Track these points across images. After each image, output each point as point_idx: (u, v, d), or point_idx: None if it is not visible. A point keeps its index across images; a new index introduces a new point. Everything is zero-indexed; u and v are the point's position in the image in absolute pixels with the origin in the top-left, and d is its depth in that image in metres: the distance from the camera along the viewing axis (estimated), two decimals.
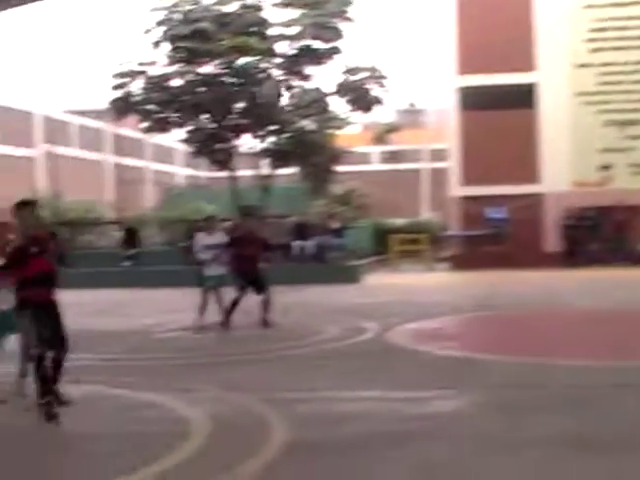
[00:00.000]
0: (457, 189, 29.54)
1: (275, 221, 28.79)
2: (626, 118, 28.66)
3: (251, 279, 13.45)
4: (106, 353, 11.40)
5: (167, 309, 17.85)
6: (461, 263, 27.56)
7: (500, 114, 28.45)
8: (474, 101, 28.86)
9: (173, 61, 31.36)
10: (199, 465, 5.89)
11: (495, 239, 27.93)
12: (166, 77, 31.85)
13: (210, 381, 9.01)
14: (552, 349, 10.95)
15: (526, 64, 28.67)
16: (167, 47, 30.90)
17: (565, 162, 28.40)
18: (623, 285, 19.95)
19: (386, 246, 31.73)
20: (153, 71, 31.96)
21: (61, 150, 43.62)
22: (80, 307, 16.46)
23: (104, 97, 32.91)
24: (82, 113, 48.76)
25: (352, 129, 45.43)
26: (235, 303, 13.35)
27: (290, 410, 7.44)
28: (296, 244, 24.90)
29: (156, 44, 30.68)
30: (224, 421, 7.14)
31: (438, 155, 47.13)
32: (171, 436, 6.63)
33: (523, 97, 28.77)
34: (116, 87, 31.67)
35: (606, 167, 28.58)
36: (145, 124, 32.47)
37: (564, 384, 8.35)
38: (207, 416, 7.26)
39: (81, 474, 5.78)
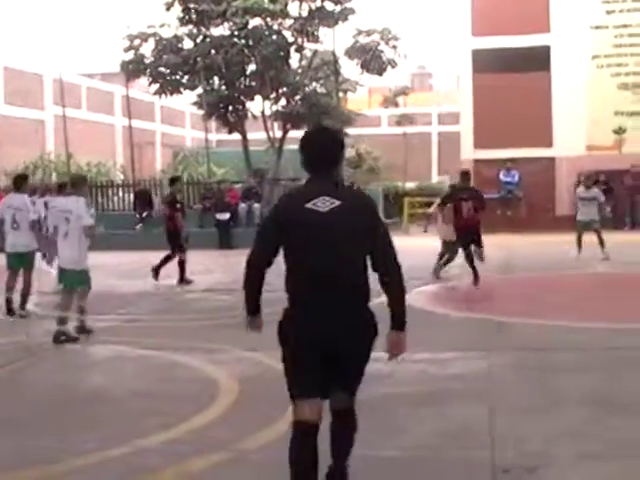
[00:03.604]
0: (469, 152, 29.42)
1: (287, 184, 28.77)
2: None
3: None
4: (130, 314, 11.50)
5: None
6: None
7: (514, 77, 28.22)
8: (487, 63, 28.62)
9: (184, 23, 31.20)
10: (232, 423, 5.97)
11: (508, 202, 27.87)
12: (177, 39, 31.72)
13: (233, 342, 9.06)
14: (570, 311, 10.97)
15: (541, 26, 28.37)
16: (178, 9, 30.74)
17: (579, 126, 28.21)
18: (635, 249, 19.93)
19: (398, 209, 31.72)
20: (164, 33, 31.84)
21: (72, 112, 43.54)
22: (102, 269, 16.51)
23: (115, 59, 32.85)
24: (93, 75, 48.67)
25: (363, 92, 45.30)
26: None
27: None
28: None
29: (168, 6, 30.50)
30: (251, 381, 7.23)
31: (449, 118, 46.93)
32: (200, 395, 6.73)
33: (537, 60, 28.51)
34: (127, 49, 31.58)
35: (620, 131, 28.43)
36: (156, 86, 32.38)
37: (586, 346, 8.40)
38: (234, 376, 7.35)
39: (118, 430, 5.86)
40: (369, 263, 4.15)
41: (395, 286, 4.14)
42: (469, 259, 13.63)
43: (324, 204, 4.01)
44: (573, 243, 17.98)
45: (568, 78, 28.31)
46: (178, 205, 15.52)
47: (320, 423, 4.06)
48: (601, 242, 17.69)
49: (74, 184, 9.95)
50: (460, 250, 14.09)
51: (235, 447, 5.40)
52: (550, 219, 27.56)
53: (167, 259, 14.98)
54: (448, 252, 14.76)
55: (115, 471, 5.09)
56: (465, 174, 14.73)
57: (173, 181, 16.51)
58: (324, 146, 4.25)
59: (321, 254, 4.00)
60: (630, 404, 6.20)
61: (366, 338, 4.11)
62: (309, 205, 4.02)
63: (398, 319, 4.15)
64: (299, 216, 4.04)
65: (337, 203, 4.02)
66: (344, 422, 4.25)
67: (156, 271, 14.88)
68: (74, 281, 9.39)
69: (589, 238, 18.01)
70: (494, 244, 18.89)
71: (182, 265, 14.78)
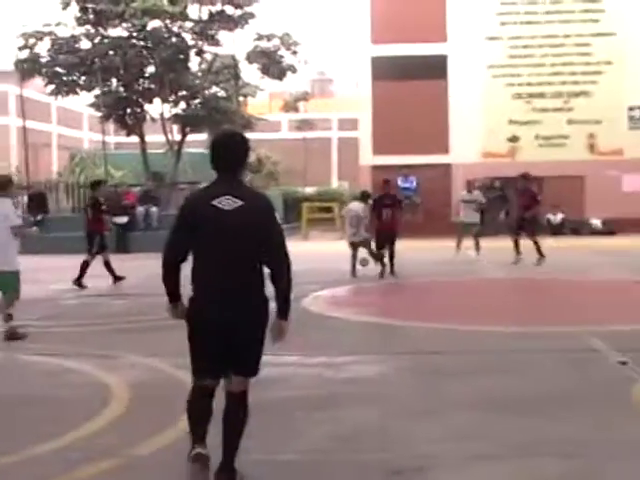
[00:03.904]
0: (368, 158, 29.76)
1: (185, 187, 28.54)
2: (533, 91, 29.30)
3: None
4: (19, 320, 11.15)
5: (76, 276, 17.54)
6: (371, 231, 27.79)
7: (412, 84, 28.71)
8: (386, 71, 29.04)
9: (82, 23, 30.65)
10: (123, 429, 5.87)
11: (406, 208, 28.24)
12: (74, 39, 31.14)
13: (127, 347, 8.94)
14: (464, 315, 11.20)
15: (438, 36, 28.97)
16: (75, 8, 30.18)
17: (474, 133, 28.90)
18: (528, 254, 20.47)
19: (297, 214, 31.80)
20: (61, 33, 31.20)
21: None
22: None
23: (9, 58, 32.02)
24: None
25: (263, 97, 45.31)
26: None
27: None
28: None
29: (64, 5, 29.90)
30: (144, 387, 7.13)
31: (349, 124, 47.35)
32: (92, 402, 6.59)
33: (435, 68, 29.10)
34: (22, 48, 30.83)
35: (514, 139, 29.21)
36: (52, 87, 31.70)
37: (478, 350, 8.58)
38: (126, 382, 7.23)
39: (5, 439, 5.69)
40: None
41: (282, 280, 4.58)
42: (379, 257, 15.67)
43: (228, 203, 4.46)
44: (472, 248, 18.50)
45: (464, 87, 28.98)
46: (104, 207, 15.84)
47: (215, 387, 4.64)
48: (477, 245, 18.74)
49: (2, 186, 9.60)
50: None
51: (125, 453, 5.31)
52: (447, 224, 28.07)
53: (108, 263, 15.24)
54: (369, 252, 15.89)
55: None
56: (386, 182, 16.94)
57: (95, 185, 16.49)
58: (231, 149, 4.66)
59: (222, 248, 4.46)
60: (519, 406, 6.35)
61: (258, 324, 4.54)
62: (214, 203, 4.47)
63: (282, 310, 4.64)
64: (205, 213, 4.48)
65: (239, 203, 4.47)
66: (236, 404, 4.59)
67: (80, 281, 14.88)
68: (8, 283, 9.29)
69: (484, 243, 18.48)
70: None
71: (85, 267, 14.95)
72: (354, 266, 15.91)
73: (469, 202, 19.78)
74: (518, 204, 18.57)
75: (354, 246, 16.06)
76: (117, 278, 15.28)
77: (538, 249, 17.47)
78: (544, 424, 5.81)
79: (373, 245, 15.87)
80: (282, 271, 4.56)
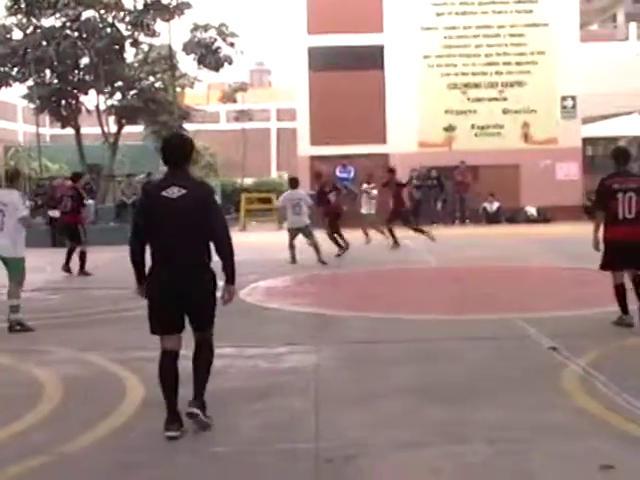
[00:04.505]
0: (306, 149, 29.78)
1: (122, 180, 28.27)
2: (468, 81, 29.60)
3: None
4: None
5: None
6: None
7: (349, 75, 28.78)
8: (323, 61, 29.07)
9: (13, 13, 30.10)
10: (54, 426, 5.83)
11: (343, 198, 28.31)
12: (6, 29, 30.56)
13: (60, 342, 8.86)
14: (399, 305, 11.32)
15: (375, 26, 29.04)
16: None
17: (411, 123, 29.10)
18: (464, 243, 20.76)
19: (235, 205, 31.69)
20: None
21: None
22: None
23: None
24: None
25: (201, 88, 45.02)
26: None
27: (144, 369, 7.42)
28: None
29: None
30: (77, 382, 7.08)
31: (288, 115, 47.32)
32: (22, 399, 6.53)
33: (372, 58, 29.19)
34: None
35: (449, 128, 29.49)
36: None
37: (411, 338, 8.68)
38: (59, 378, 7.17)
39: None
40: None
41: (226, 252, 5.56)
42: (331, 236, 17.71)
43: (174, 192, 5.43)
44: (411, 238, 18.90)
45: (401, 77, 29.15)
46: (85, 200, 16.80)
47: (179, 351, 5.59)
48: (367, 234, 20.44)
49: (11, 178, 10.17)
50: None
51: (55, 451, 5.27)
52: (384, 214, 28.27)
53: (83, 255, 15.58)
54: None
55: None
56: (318, 174, 20.39)
57: (76, 177, 16.93)
58: (177, 148, 5.65)
59: (170, 229, 5.41)
60: (448, 393, 6.47)
61: (206, 290, 5.55)
62: (163, 193, 5.45)
63: (229, 276, 5.60)
64: (156, 201, 5.47)
65: (184, 192, 5.44)
66: (200, 349, 5.66)
67: (84, 270, 15.50)
68: (16, 269, 9.76)
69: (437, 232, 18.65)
70: (326, 239, 19.26)
71: (84, 256, 15.55)
72: (294, 254, 16.31)
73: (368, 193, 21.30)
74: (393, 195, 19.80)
75: (294, 233, 16.36)
76: (84, 272, 15.60)
77: (420, 231, 19.22)
78: (472, 411, 5.92)
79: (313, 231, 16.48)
80: (224, 245, 5.53)
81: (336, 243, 17.71)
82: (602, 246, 8.90)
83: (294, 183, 17.08)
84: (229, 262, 5.56)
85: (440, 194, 28.89)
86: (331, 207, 18.06)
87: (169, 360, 5.55)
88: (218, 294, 5.61)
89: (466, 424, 5.60)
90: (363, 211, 21.17)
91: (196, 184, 5.64)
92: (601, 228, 8.92)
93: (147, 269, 5.62)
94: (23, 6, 29.65)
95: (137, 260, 5.59)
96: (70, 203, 16.01)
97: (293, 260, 16.25)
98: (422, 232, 19.18)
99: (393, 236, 19.23)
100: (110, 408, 6.15)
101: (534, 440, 5.24)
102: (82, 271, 15.51)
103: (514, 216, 28.55)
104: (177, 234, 5.41)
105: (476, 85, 29.58)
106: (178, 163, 5.57)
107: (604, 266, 8.96)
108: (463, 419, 5.72)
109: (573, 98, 29.44)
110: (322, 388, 6.72)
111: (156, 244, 5.50)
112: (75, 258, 15.56)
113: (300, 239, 16.41)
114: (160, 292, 5.47)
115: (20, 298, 9.95)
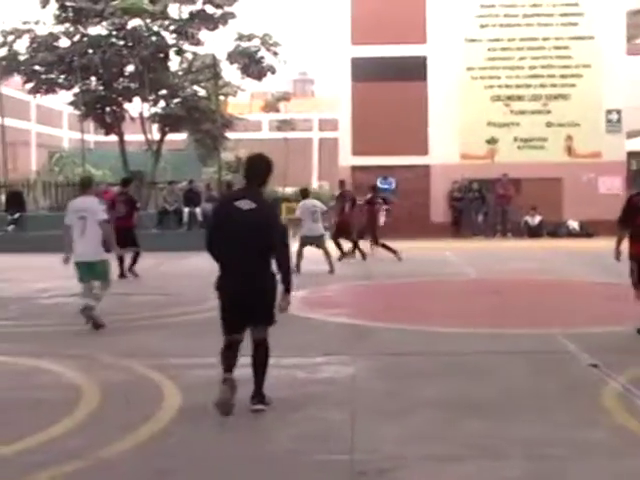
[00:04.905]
0: (347, 159, 29.77)
1: (164, 187, 28.46)
2: (511, 93, 29.42)
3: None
4: None
5: (53, 275, 17.48)
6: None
7: (391, 86, 28.73)
8: (366, 72, 29.06)
9: (61, 21, 30.53)
10: (91, 431, 5.87)
11: (384, 210, 28.25)
12: (53, 37, 31.01)
13: (99, 347, 8.93)
14: (436, 317, 11.25)
15: (418, 37, 28.98)
16: (54, 6, 30.06)
17: (453, 135, 28.97)
18: (505, 256, 20.61)
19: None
20: (40, 30, 31.09)
21: None
22: None
23: None
24: None
25: (244, 97, 45.25)
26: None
27: (181, 376, 7.48)
28: (186, 211, 24.71)
29: (44, 3, 29.77)
30: (115, 388, 7.13)
31: (330, 124, 47.37)
32: (61, 403, 6.59)
33: (415, 70, 29.12)
34: (0, 45, 30.68)
35: (492, 141, 29.32)
36: (30, 85, 31.56)
37: (447, 351, 8.62)
38: (97, 383, 7.22)
39: None
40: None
41: (284, 267, 6.22)
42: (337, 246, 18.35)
43: (245, 204, 6.09)
44: (452, 249, 18.73)
45: (443, 88, 29.04)
46: (138, 205, 17.41)
47: (241, 341, 6.31)
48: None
49: (83, 185, 10.88)
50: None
51: (91, 456, 5.30)
52: (425, 225, 28.19)
53: (137, 256, 16.18)
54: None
55: None
56: (341, 182, 20.85)
57: (127, 182, 17.46)
58: (258, 169, 6.35)
59: (237, 239, 6.06)
60: (484, 407, 6.41)
61: (268, 294, 6.18)
62: (236, 203, 6.14)
63: (285, 286, 6.27)
64: (229, 210, 6.20)
65: (254, 205, 6.10)
66: (259, 348, 6.33)
67: (132, 270, 16.04)
68: (101, 271, 10.30)
69: (460, 245, 18.52)
70: (366, 249, 19.24)
71: (136, 257, 16.15)
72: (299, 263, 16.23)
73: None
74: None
75: (309, 242, 16.67)
76: (132, 272, 16.10)
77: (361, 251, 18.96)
78: (508, 425, 5.87)
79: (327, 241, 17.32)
80: (283, 260, 6.21)
81: (339, 248, 18.47)
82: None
83: (305, 193, 17.41)
84: (287, 275, 6.22)
85: (481, 207, 28.72)
86: (343, 216, 18.90)
87: (230, 347, 6.27)
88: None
89: (503, 439, 5.54)
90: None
91: (264, 201, 6.35)
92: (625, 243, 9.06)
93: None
94: (71, 15, 30.05)
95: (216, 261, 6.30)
96: (124, 207, 16.26)
97: (298, 270, 15.74)
98: (389, 249, 19.02)
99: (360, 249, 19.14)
100: (148, 414, 6.19)
101: (572, 457, 5.18)
102: (131, 270, 16.00)
103: (556, 230, 28.26)
104: (243, 244, 6.06)
105: (519, 97, 29.37)
106: (254, 181, 6.26)
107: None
108: (500, 434, 5.66)
109: (618, 112, 29.11)
110: (358, 400, 6.70)
111: (224, 253, 6.16)
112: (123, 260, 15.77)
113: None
114: (227, 299, 6.22)
115: (100, 300, 10.34)
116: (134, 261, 16.11)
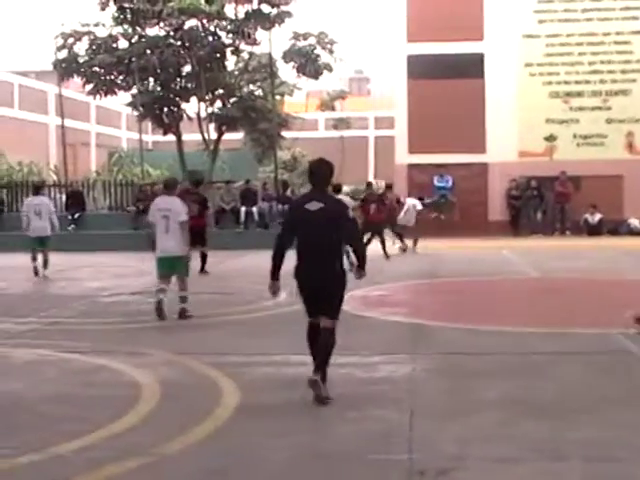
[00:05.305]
0: (403, 157, 29.66)
1: (221, 186, 28.65)
2: (571, 90, 29.02)
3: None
4: (54, 317, 11.32)
5: (113, 273, 17.76)
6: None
7: (448, 83, 28.56)
8: (422, 69, 28.91)
9: (119, 23, 30.91)
10: (152, 428, 5.93)
11: (441, 207, 28.14)
12: (112, 39, 31.41)
13: (159, 345, 9.03)
14: (495, 316, 11.16)
15: (475, 34, 28.73)
16: (113, 8, 30.43)
17: (511, 132, 28.66)
18: (564, 255, 20.35)
19: None
20: (99, 32, 31.51)
21: (4, 111, 42.79)
22: (26, 271, 16.31)
23: (48, 58, 32.39)
24: (27, 74, 47.85)
25: (300, 95, 45.35)
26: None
27: (240, 374, 7.52)
28: (243, 210, 24.87)
29: (103, 5, 30.17)
30: (175, 385, 7.19)
31: (386, 122, 47.24)
32: (121, 400, 6.67)
33: (472, 67, 28.88)
34: (60, 48, 31.14)
35: (551, 138, 28.95)
36: (90, 86, 32.01)
37: (508, 350, 8.54)
38: (157, 380, 7.30)
39: (33, 437, 5.76)
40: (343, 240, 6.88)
41: (359, 252, 6.96)
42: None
43: (314, 205, 6.68)
44: (509, 248, 18.51)
45: (501, 85, 28.75)
46: (209, 204, 18.05)
47: (319, 323, 6.70)
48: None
49: (167, 186, 11.50)
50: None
51: (153, 452, 5.35)
52: (482, 223, 27.96)
53: (205, 256, 16.75)
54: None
55: (24, 479, 5.00)
56: (369, 184, 21.61)
57: (198, 182, 18.09)
58: (320, 173, 6.87)
59: (311, 235, 6.69)
60: (544, 408, 6.33)
61: (337, 285, 6.73)
62: (305, 206, 6.73)
63: (360, 263, 6.96)
64: (300, 212, 6.78)
65: (321, 205, 6.68)
66: (325, 335, 6.69)
67: (204, 269, 16.61)
68: (180, 265, 10.95)
69: (518, 243, 18.34)
70: (425, 247, 19.15)
71: (204, 257, 16.72)
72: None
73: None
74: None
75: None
76: (204, 271, 16.62)
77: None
78: (569, 427, 5.78)
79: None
80: (358, 247, 6.99)
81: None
82: None
83: (338, 188, 17.44)
84: (362, 257, 6.93)
85: (540, 204, 28.38)
86: (367, 217, 19.26)
87: (312, 328, 6.84)
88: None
89: (563, 441, 5.47)
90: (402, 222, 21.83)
91: (333, 201, 6.97)
92: None
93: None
94: (129, 16, 30.40)
95: (276, 260, 6.80)
96: (197, 207, 16.37)
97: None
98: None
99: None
100: (206, 412, 6.23)
101: (635, 460, 5.09)
102: (203, 271, 16.45)
103: (616, 228, 27.79)
104: (314, 240, 6.66)
105: (579, 94, 28.95)
106: (318, 183, 6.82)
107: None
108: (560, 435, 5.59)
109: None
110: (416, 399, 6.67)
111: (299, 247, 6.76)
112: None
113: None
114: (303, 286, 6.78)
115: (187, 290, 11.05)
116: (203, 261, 16.59)
